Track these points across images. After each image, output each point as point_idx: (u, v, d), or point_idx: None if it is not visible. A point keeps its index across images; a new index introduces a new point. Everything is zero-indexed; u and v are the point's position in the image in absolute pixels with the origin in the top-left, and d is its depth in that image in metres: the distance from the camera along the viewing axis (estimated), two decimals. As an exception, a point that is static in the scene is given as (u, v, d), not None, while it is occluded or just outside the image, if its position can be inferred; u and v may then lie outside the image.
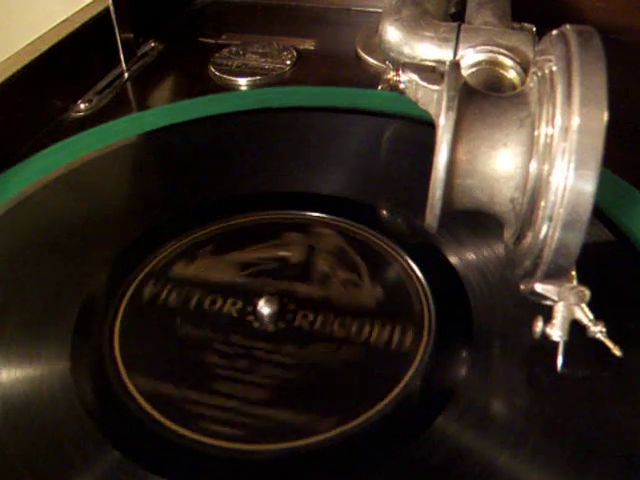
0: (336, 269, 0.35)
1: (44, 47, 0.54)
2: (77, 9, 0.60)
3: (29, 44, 0.55)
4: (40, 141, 0.50)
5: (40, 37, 0.56)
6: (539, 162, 0.27)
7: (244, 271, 0.36)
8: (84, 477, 0.27)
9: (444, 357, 0.31)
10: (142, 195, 0.43)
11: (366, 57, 0.58)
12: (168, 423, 0.29)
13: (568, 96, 0.25)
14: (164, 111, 0.51)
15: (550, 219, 0.26)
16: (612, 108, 0.25)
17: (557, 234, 0.26)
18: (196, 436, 0.28)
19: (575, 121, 0.25)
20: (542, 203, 0.26)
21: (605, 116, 0.24)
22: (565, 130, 0.25)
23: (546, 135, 0.26)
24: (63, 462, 0.27)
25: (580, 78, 0.25)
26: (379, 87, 0.48)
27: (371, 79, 0.54)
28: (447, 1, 0.49)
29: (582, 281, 0.29)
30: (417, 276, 0.35)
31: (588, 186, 0.25)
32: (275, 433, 0.28)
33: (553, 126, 0.26)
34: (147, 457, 0.28)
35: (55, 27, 0.57)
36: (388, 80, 0.43)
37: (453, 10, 0.52)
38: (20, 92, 0.51)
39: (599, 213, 0.36)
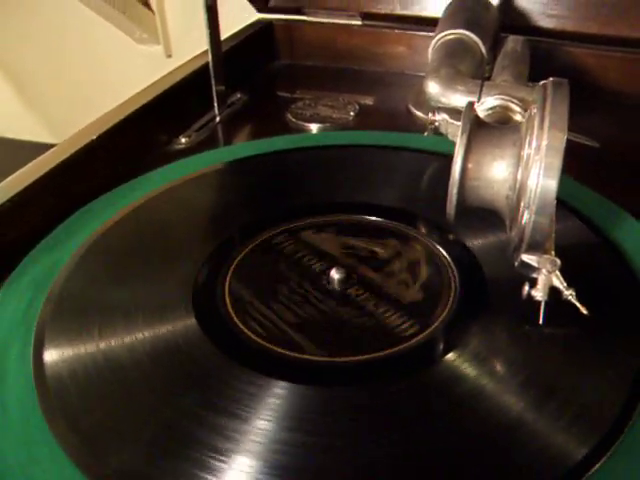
0: (402, 272, 0.45)
1: (155, 93, 0.66)
2: (182, 63, 0.73)
3: (144, 90, 0.67)
4: (148, 166, 0.59)
5: (152, 84, 0.68)
6: (523, 170, 0.38)
7: (344, 250, 0.47)
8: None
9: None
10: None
11: (415, 111, 0.69)
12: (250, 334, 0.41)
13: (541, 123, 0.37)
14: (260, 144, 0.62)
15: (528, 208, 0.37)
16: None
17: (533, 218, 0.37)
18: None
19: (544, 141, 0.36)
20: (524, 198, 0.38)
21: (564, 137, 0.36)
22: (538, 148, 0.36)
23: (528, 153, 0.38)
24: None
25: (550, 110, 0.36)
26: (425, 133, 0.60)
27: (419, 128, 0.64)
28: (479, 66, 0.62)
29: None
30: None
31: (552, 184, 0.36)
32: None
33: (531, 146, 0.37)
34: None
35: (164, 77, 0.70)
36: (430, 124, 0.55)
37: (487, 75, 0.64)
38: (135, 126, 0.62)
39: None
